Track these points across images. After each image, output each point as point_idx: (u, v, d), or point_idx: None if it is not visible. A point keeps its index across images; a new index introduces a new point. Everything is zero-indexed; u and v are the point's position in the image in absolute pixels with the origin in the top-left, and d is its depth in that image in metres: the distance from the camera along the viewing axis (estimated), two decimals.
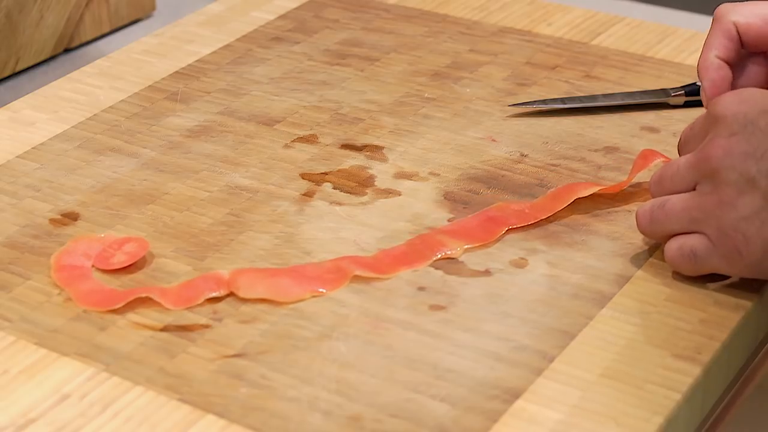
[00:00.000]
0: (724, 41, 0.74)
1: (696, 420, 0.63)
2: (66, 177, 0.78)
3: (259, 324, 0.66)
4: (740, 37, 0.74)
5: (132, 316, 0.66)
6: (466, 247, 0.71)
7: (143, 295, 0.67)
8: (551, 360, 0.63)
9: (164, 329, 0.65)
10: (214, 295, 0.67)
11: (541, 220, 0.73)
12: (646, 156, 0.76)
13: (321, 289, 0.68)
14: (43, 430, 0.59)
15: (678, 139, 0.72)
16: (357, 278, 0.69)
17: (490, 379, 0.62)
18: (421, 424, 0.59)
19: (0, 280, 0.69)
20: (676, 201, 0.68)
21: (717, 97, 0.69)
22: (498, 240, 0.72)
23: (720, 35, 0.74)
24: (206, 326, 0.66)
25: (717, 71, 0.74)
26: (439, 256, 0.70)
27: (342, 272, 0.69)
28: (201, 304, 0.67)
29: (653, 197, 0.70)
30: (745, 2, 0.76)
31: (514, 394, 0.61)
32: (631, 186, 0.76)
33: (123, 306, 0.66)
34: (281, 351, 0.64)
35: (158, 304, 0.67)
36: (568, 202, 0.74)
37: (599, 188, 0.75)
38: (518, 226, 0.73)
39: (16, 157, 0.81)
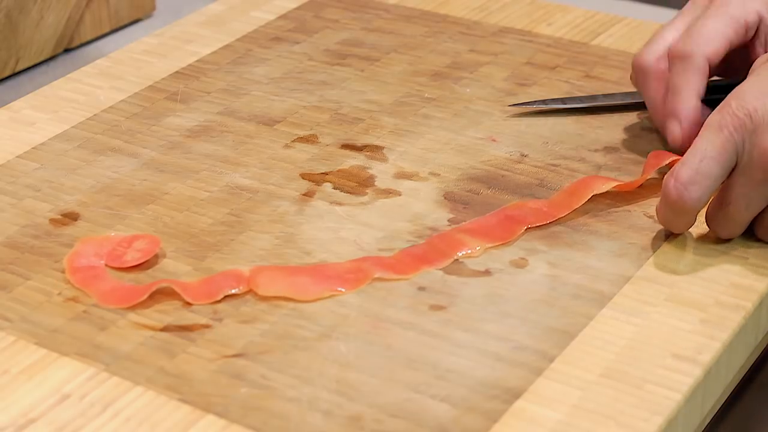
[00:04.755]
0: (701, 78, 0.76)
1: (696, 420, 0.63)
2: (66, 177, 0.78)
3: (259, 324, 0.66)
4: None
5: (132, 316, 0.66)
6: (487, 246, 0.71)
7: (165, 285, 0.67)
8: (551, 360, 0.63)
9: (164, 329, 0.65)
10: (233, 291, 0.67)
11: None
12: (658, 155, 0.76)
13: (341, 289, 0.68)
14: (43, 430, 0.59)
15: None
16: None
17: (490, 379, 0.62)
18: (421, 424, 0.59)
19: (0, 280, 0.69)
20: None
21: (724, 109, 0.68)
22: (517, 239, 0.72)
23: (697, 74, 0.75)
24: (206, 326, 0.66)
25: (696, 113, 0.75)
26: (460, 255, 0.70)
27: (363, 273, 0.69)
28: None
29: (723, 235, 0.70)
30: (689, 30, 0.77)
31: (514, 394, 0.61)
32: (631, 185, 0.76)
33: (133, 304, 0.67)
34: (281, 351, 0.64)
35: (161, 302, 0.67)
36: (585, 198, 0.74)
37: (616, 183, 0.75)
38: (537, 225, 0.73)
39: (16, 157, 0.81)
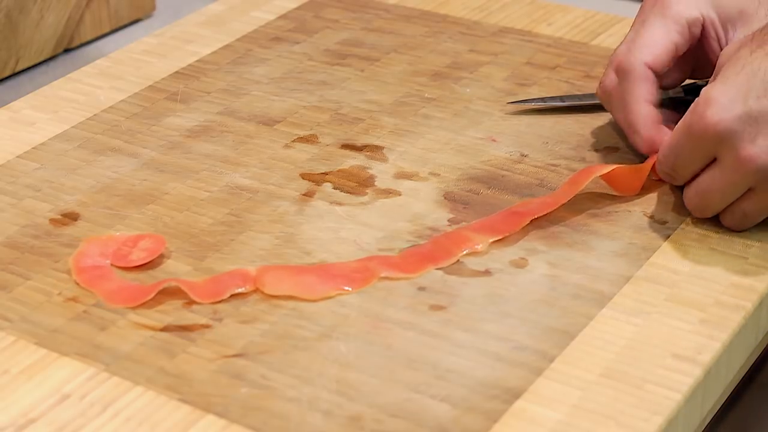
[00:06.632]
0: (647, 86, 0.77)
1: (696, 420, 0.63)
2: (66, 177, 0.78)
3: (259, 324, 0.66)
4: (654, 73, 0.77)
5: (132, 316, 0.66)
6: (491, 240, 0.71)
7: (172, 285, 0.67)
8: (551, 360, 0.63)
9: (164, 329, 0.65)
10: (240, 290, 0.68)
11: (542, 219, 0.73)
12: None
13: (347, 288, 0.68)
14: (43, 430, 0.59)
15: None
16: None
17: (490, 379, 0.62)
18: (421, 424, 0.59)
19: (0, 280, 0.69)
20: (749, 208, 0.71)
21: (691, 121, 0.70)
22: (522, 232, 0.72)
23: (641, 82, 0.76)
24: (206, 326, 0.66)
25: (653, 119, 0.76)
26: (465, 252, 0.70)
27: (369, 272, 0.69)
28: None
29: (696, 214, 0.73)
30: (631, 39, 0.78)
31: (514, 394, 0.61)
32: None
33: (140, 303, 0.67)
34: (281, 351, 0.64)
35: (161, 302, 0.67)
36: (587, 182, 0.74)
37: (615, 167, 0.75)
38: (541, 215, 0.73)
39: (16, 157, 0.81)
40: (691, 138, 0.70)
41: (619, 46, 0.80)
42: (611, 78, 0.79)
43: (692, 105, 0.70)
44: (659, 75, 0.77)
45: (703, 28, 0.78)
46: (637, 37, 0.77)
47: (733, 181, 0.70)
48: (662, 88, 0.80)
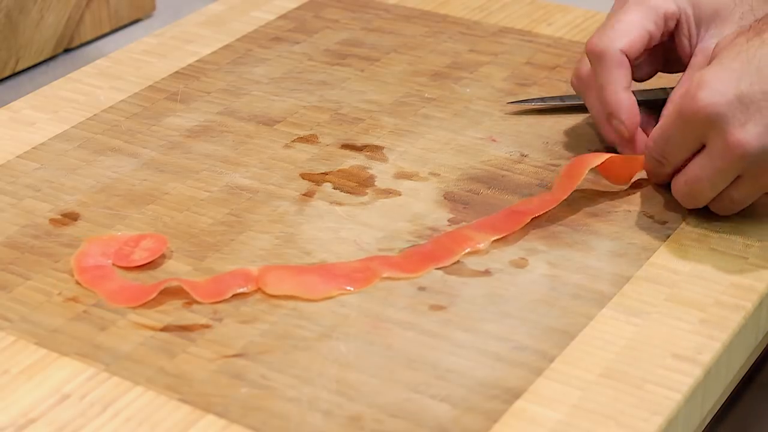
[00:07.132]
0: (622, 71, 0.76)
1: (696, 420, 0.63)
2: (66, 177, 0.78)
3: (259, 324, 0.66)
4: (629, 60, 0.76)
5: (132, 316, 0.66)
6: (492, 239, 0.71)
7: (173, 284, 0.67)
8: (551, 360, 0.63)
9: (164, 329, 0.65)
10: (242, 290, 0.67)
11: (542, 218, 0.73)
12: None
13: (349, 287, 0.68)
14: (43, 430, 0.59)
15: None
16: None
17: (490, 379, 0.62)
18: (421, 424, 0.59)
19: (0, 280, 0.69)
20: (737, 195, 0.71)
21: (683, 103, 0.70)
22: (522, 231, 0.72)
23: (616, 68, 0.76)
24: (206, 326, 0.66)
25: (630, 104, 0.76)
26: (467, 250, 0.70)
27: (371, 272, 0.69)
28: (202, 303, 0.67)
29: (686, 205, 0.73)
30: (605, 25, 0.77)
31: (514, 394, 0.61)
32: (632, 185, 0.76)
33: (142, 303, 0.67)
34: (281, 351, 0.64)
35: (161, 302, 0.67)
36: (583, 175, 0.74)
37: (609, 156, 0.75)
38: (542, 212, 0.73)
39: (16, 157, 0.81)
40: (682, 120, 0.70)
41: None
42: (587, 65, 0.79)
43: (685, 87, 0.70)
44: (632, 63, 0.77)
45: (678, 23, 0.78)
46: (612, 23, 0.77)
47: (721, 168, 0.69)
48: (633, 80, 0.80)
